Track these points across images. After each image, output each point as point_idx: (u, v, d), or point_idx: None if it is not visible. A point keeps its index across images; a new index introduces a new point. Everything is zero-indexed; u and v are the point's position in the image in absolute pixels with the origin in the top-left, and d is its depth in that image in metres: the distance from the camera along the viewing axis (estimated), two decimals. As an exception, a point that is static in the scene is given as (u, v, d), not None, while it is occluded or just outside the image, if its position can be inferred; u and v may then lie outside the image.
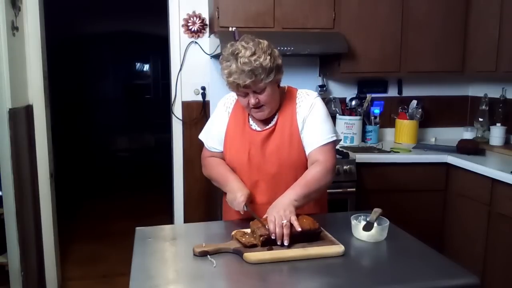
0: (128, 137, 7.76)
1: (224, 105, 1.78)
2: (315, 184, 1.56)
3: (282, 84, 1.76)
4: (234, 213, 1.64)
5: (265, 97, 1.58)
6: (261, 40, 1.58)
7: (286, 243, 1.37)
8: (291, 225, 1.39)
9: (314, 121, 1.66)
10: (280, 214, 1.40)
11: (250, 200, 1.60)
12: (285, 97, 1.71)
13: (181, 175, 3.14)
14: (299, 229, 1.38)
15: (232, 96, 1.77)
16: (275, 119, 1.68)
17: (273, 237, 1.37)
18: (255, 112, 1.62)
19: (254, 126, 1.70)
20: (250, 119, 1.71)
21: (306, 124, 1.66)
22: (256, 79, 1.51)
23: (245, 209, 1.55)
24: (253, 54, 1.51)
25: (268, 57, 1.53)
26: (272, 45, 1.60)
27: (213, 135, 1.77)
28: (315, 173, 1.58)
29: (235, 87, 1.55)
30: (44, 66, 2.88)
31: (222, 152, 1.76)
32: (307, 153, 1.66)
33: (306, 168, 1.64)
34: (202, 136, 1.83)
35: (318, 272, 1.28)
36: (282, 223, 1.38)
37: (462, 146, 2.86)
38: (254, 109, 1.61)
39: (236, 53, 1.52)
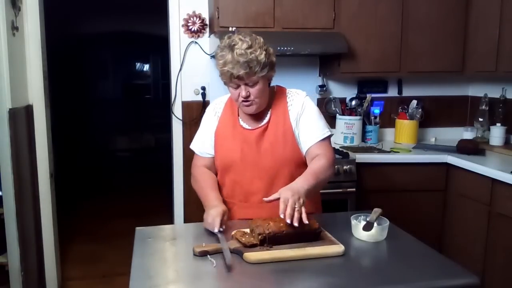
0: (128, 137, 7.76)
1: (213, 110, 1.80)
2: (322, 175, 1.58)
3: (280, 84, 1.78)
4: None
5: (256, 91, 1.60)
6: (257, 36, 1.61)
7: (296, 224, 1.34)
8: (290, 224, 1.38)
9: (309, 119, 1.69)
10: (295, 198, 1.38)
11: (227, 218, 1.55)
12: (275, 96, 1.73)
13: (181, 175, 3.14)
14: (306, 221, 1.36)
15: (221, 101, 1.80)
16: (267, 117, 1.70)
17: (282, 216, 1.35)
18: (243, 105, 1.64)
19: (245, 125, 1.72)
20: (240, 119, 1.73)
21: (300, 122, 1.69)
22: (250, 71, 1.54)
23: (217, 231, 1.46)
24: (250, 47, 1.55)
25: (264, 52, 1.58)
26: (267, 43, 1.63)
27: (204, 140, 1.78)
28: (321, 165, 1.59)
29: (228, 77, 1.57)
30: (44, 66, 2.88)
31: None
32: (305, 149, 1.68)
33: (301, 164, 1.67)
34: (193, 145, 1.84)
35: (318, 272, 1.28)
36: (295, 207, 1.36)
37: (462, 146, 2.86)
38: (243, 103, 1.63)
39: (233, 44, 1.55)
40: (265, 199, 1.44)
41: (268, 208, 1.47)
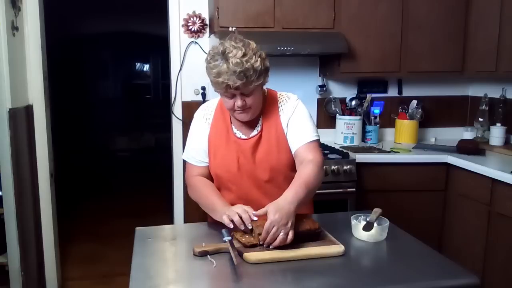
0: (128, 137, 7.77)
1: (203, 117, 1.72)
2: (313, 185, 1.51)
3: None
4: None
5: (252, 100, 1.54)
6: (250, 41, 1.54)
7: (270, 248, 1.36)
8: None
9: (298, 121, 1.64)
10: (281, 224, 1.34)
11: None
12: (266, 101, 1.67)
13: (181, 175, 3.14)
14: (287, 241, 1.35)
15: (211, 107, 1.73)
16: (259, 125, 1.66)
17: (260, 243, 1.36)
18: (239, 113, 1.58)
19: (239, 134, 1.66)
20: (233, 127, 1.68)
21: (290, 125, 1.64)
22: (247, 81, 1.47)
23: (249, 223, 1.40)
24: (244, 55, 1.46)
25: (259, 59, 1.50)
26: (258, 48, 1.55)
27: (198, 149, 1.71)
28: (310, 172, 1.52)
29: (223, 88, 1.49)
30: (44, 66, 2.88)
31: None
32: (293, 150, 1.63)
33: (295, 168, 1.61)
34: (186, 155, 1.75)
35: (318, 272, 1.28)
36: (279, 235, 1.34)
37: (462, 146, 2.86)
38: (238, 111, 1.57)
39: (226, 52, 1.47)
40: (254, 213, 1.40)
41: (266, 215, 1.45)
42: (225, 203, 1.56)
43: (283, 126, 1.65)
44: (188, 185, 1.75)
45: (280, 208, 1.36)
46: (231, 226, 1.42)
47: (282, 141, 1.64)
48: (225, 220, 1.44)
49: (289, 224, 1.35)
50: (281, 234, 1.34)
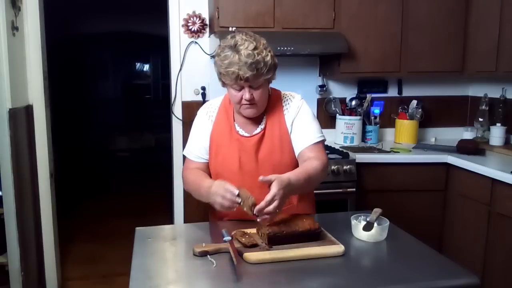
0: (128, 137, 7.77)
1: (206, 114, 1.72)
2: (314, 176, 1.52)
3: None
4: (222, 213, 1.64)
5: (259, 94, 1.56)
6: (260, 37, 1.57)
7: (258, 219, 1.37)
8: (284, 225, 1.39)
9: (303, 122, 1.65)
10: (283, 199, 1.36)
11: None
12: (270, 100, 1.68)
13: (181, 175, 3.13)
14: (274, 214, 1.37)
15: (214, 105, 1.73)
16: (263, 123, 1.66)
17: (254, 213, 1.36)
18: (245, 108, 1.59)
19: (242, 132, 1.66)
20: (236, 124, 1.67)
21: (295, 125, 1.65)
22: (257, 73, 1.49)
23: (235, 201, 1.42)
24: (256, 48, 1.49)
25: (269, 53, 1.53)
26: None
27: (199, 145, 1.71)
28: (314, 166, 1.54)
29: (233, 79, 1.50)
30: (44, 66, 2.88)
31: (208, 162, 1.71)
32: (297, 151, 1.63)
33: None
34: (187, 151, 1.76)
35: (318, 272, 1.28)
36: (272, 212, 1.35)
37: (462, 146, 2.86)
38: (244, 106, 1.57)
39: (238, 44, 1.49)
40: (261, 178, 1.37)
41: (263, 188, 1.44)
42: (209, 183, 1.54)
43: (287, 125, 1.65)
44: (183, 178, 1.76)
45: (284, 185, 1.37)
46: (234, 209, 1.44)
47: (285, 140, 1.64)
48: (225, 204, 1.44)
49: (283, 203, 1.38)
50: (278, 210, 1.35)
